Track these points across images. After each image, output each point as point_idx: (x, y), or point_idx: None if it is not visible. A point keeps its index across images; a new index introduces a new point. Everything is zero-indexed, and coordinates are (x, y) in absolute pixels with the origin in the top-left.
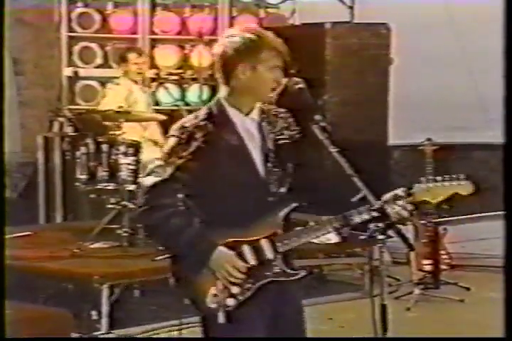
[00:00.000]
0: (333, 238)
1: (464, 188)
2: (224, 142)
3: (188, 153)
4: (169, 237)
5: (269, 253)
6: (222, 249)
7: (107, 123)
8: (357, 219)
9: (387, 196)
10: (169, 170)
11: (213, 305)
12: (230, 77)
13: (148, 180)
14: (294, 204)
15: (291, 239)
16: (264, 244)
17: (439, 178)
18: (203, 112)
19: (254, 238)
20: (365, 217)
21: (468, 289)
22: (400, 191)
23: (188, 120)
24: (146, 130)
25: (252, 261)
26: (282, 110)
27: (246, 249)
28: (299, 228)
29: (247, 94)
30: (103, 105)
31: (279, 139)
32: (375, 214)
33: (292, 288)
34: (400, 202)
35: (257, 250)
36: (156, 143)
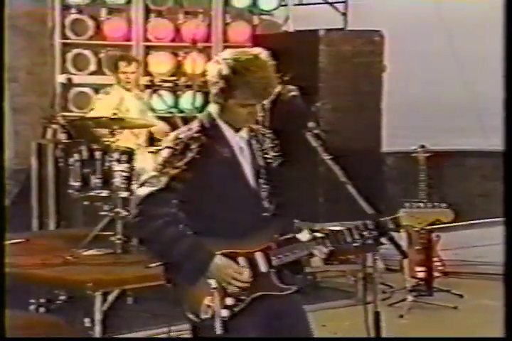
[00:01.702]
0: None
1: (446, 215)
2: (218, 154)
3: (183, 163)
4: (165, 247)
5: (262, 267)
6: (221, 256)
7: (100, 130)
8: (348, 238)
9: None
10: (164, 180)
11: (206, 316)
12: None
13: (143, 191)
14: (288, 220)
15: (285, 253)
16: (259, 257)
17: (422, 205)
18: (195, 125)
19: (249, 251)
20: (356, 237)
21: (461, 296)
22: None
23: (181, 132)
24: (138, 137)
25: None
26: (268, 131)
27: (241, 261)
28: (292, 242)
29: (228, 116)
30: (91, 115)
31: (267, 158)
32: (365, 233)
33: (290, 299)
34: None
35: (252, 263)
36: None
